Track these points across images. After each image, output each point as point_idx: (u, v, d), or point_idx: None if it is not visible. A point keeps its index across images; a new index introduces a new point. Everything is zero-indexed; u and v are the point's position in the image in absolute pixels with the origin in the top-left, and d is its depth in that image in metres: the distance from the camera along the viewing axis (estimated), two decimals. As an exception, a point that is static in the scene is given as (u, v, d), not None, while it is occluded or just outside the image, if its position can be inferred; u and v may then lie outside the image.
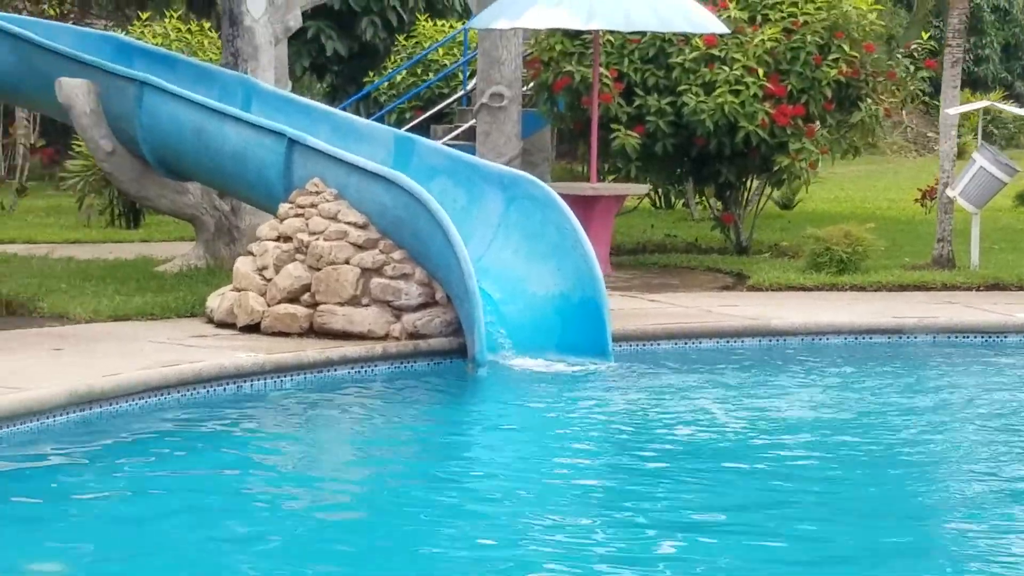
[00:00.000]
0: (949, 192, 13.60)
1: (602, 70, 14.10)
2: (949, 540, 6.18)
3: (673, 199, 19.86)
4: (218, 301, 10.35)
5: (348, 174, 10.18)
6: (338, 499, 6.86)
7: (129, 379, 8.20)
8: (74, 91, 11.69)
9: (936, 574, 5.69)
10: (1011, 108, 17.97)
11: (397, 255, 9.97)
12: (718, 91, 14.03)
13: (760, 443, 7.79)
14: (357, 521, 6.47)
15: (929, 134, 33.20)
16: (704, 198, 16.47)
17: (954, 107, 13.82)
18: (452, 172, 10.60)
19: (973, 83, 38.60)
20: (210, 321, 10.29)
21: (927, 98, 17.46)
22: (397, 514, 6.52)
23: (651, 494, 6.81)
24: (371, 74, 21.24)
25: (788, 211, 20.05)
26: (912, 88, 15.41)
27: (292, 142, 10.50)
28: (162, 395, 8.38)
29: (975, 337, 10.89)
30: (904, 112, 32.13)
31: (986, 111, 28.08)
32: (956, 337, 10.86)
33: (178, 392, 8.47)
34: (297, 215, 10.25)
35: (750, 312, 11.18)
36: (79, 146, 15.79)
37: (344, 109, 17.94)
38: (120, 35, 14.92)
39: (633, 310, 11.23)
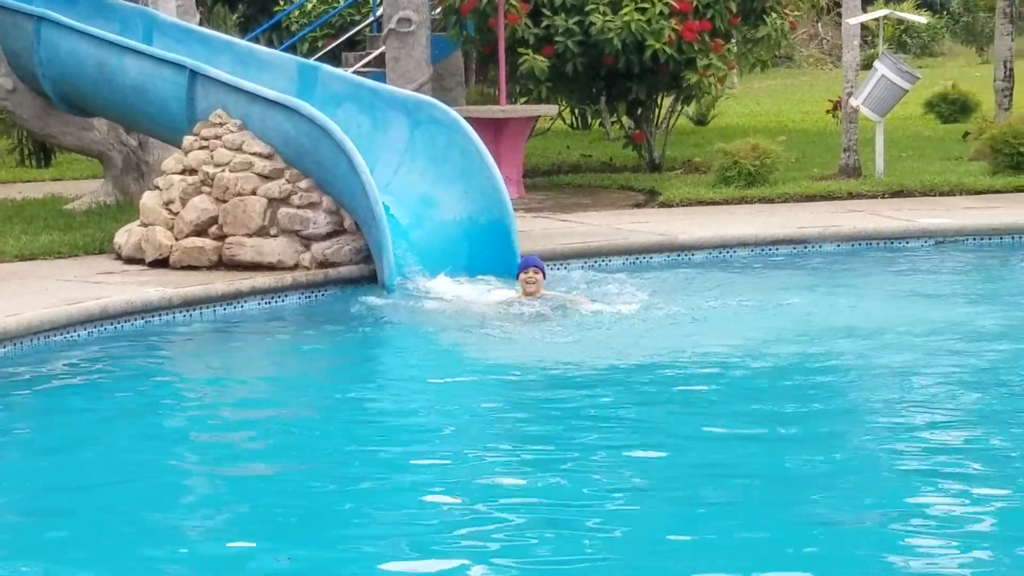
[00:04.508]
0: (852, 101, 13.74)
1: (508, -9, 14.07)
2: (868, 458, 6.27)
3: (590, 119, 19.91)
4: (125, 237, 10.31)
5: (250, 104, 10.14)
6: (250, 432, 6.85)
7: (33, 318, 8.16)
8: (-29, 30, 11.54)
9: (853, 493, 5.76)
10: (909, 15, 18.15)
11: (304, 184, 9.97)
12: (625, 9, 14.05)
13: (666, 361, 7.89)
14: (271, 453, 6.47)
15: (845, 45, 33.29)
16: (619, 117, 16.52)
17: (855, 16, 13.94)
18: (356, 99, 10.57)
19: (888, -7, 38.75)
20: (118, 258, 10.26)
21: (841, 10, 17.57)
22: (311, 444, 6.55)
23: (557, 420, 6.81)
24: (282, 3, 21.05)
25: (702, 127, 20.17)
26: (817, 0, 15.52)
27: (194, 73, 10.44)
28: (68, 333, 8.35)
29: (878, 244, 11.07)
30: (819, 24, 32.24)
31: (899, 20, 28.21)
32: (859, 245, 11.03)
33: (85, 329, 8.45)
34: (202, 147, 10.21)
35: (659, 228, 11.29)
36: (-16, 86, 15.54)
37: (255, 39, 17.80)
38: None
39: (544, 231, 11.30)
